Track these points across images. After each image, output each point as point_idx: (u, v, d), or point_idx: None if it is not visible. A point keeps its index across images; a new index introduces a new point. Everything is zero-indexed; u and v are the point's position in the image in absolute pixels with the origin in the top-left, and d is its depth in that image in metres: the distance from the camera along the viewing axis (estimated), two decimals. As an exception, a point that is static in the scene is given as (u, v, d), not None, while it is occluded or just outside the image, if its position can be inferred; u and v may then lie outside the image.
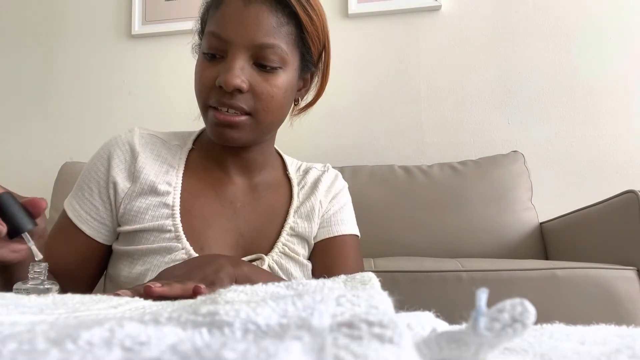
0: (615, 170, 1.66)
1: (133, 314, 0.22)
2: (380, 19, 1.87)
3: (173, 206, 0.74)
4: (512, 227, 1.48)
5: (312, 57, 0.76)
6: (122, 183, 0.74)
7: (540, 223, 1.51)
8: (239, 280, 0.58)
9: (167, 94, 1.95)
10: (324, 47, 0.78)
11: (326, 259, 0.80)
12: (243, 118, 0.69)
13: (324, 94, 0.85)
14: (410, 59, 1.84)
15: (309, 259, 0.81)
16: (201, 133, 0.85)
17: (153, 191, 0.74)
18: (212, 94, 0.69)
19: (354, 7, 1.85)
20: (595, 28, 1.74)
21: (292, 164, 0.89)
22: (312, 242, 0.81)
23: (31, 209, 0.54)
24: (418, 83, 1.83)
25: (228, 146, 0.75)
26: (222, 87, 0.67)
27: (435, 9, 1.84)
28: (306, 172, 0.87)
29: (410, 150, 1.79)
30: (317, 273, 0.79)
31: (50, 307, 0.25)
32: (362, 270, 0.80)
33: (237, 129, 0.70)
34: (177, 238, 0.72)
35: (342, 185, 0.88)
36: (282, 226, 0.79)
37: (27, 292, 0.54)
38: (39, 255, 0.54)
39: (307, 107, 0.85)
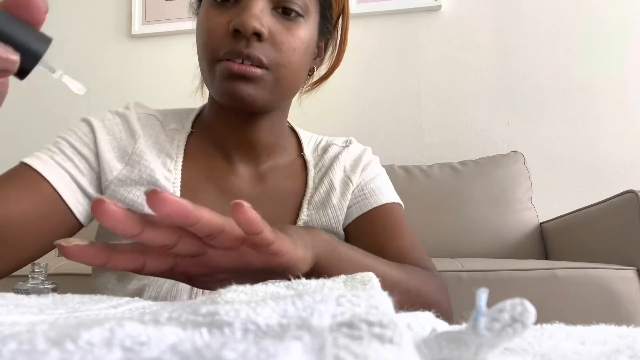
0: (615, 170, 1.66)
1: (133, 314, 0.22)
2: (380, 19, 1.87)
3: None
4: (512, 227, 1.48)
5: (332, 18, 0.66)
6: (112, 161, 0.61)
7: (540, 223, 1.51)
8: (316, 246, 0.45)
9: (167, 94, 1.95)
10: (343, 10, 0.68)
11: (372, 234, 0.66)
12: (261, 71, 0.57)
13: (322, 86, 0.76)
14: (410, 59, 1.84)
15: None
16: (201, 112, 0.72)
17: (152, 184, 0.62)
18: (224, 43, 0.57)
19: (354, 7, 1.85)
20: (595, 28, 1.74)
21: (309, 142, 0.76)
22: (340, 230, 0.69)
23: (24, 12, 0.34)
24: (418, 83, 1.83)
25: (234, 118, 0.64)
26: (237, 32, 0.56)
27: (435, 9, 1.84)
28: (325, 150, 0.74)
29: (410, 150, 1.79)
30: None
31: (50, 307, 0.25)
32: (417, 242, 0.68)
33: (253, 84, 0.58)
34: None
35: (371, 156, 0.76)
36: (295, 223, 0.67)
37: (27, 292, 0.53)
38: (82, 89, 0.38)
39: (320, 82, 0.74)
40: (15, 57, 0.32)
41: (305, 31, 0.60)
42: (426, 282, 0.57)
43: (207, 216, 0.32)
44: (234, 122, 0.65)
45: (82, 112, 0.75)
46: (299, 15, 0.59)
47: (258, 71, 0.57)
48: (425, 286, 0.56)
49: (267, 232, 0.35)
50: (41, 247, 0.57)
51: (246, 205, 0.32)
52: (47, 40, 0.35)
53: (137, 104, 0.69)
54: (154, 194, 0.29)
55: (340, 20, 0.70)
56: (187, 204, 0.31)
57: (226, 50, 0.57)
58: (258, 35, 0.56)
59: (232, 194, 0.66)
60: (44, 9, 0.34)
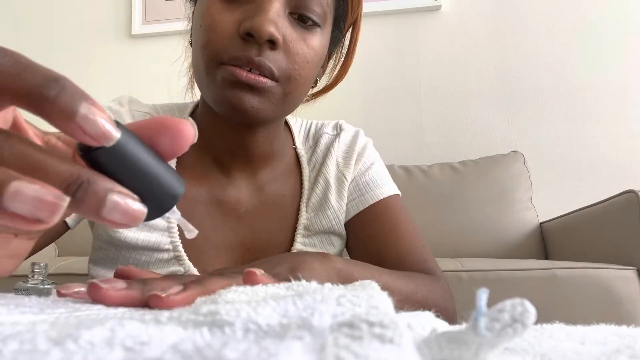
0: (615, 170, 1.67)
1: (133, 314, 0.23)
2: (380, 19, 1.87)
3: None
4: (512, 227, 1.49)
5: (343, 29, 0.61)
6: None
7: (540, 223, 1.51)
8: (331, 278, 0.42)
9: (167, 95, 1.95)
10: (355, 21, 0.63)
11: (370, 236, 0.63)
12: (270, 83, 0.51)
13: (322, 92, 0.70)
14: (411, 59, 1.85)
15: (347, 245, 0.68)
16: (194, 110, 0.66)
17: None
18: (231, 46, 0.50)
19: (354, 7, 1.85)
20: (595, 28, 1.74)
21: (300, 132, 0.70)
22: (342, 230, 0.66)
23: (167, 142, 0.24)
24: (418, 83, 1.83)
25: (229, 127, 0.59)
26: (249, 36, 0.50)
27: (435, 8, 1.84)
28: (316, 140, 0.69)
29: (410, 150, 1.79)
30: (363, 254, 0.64)
31: (50, 307, 0.25)
32: (418, 239, 0.65)
33: (260, 96, 0.52)
34: (178, 259, 0.57)
35: (363, 142, 0.71)
36: (295, 228, 0.63)
37: (27, 292, 0.53)
38: (194, 231, 0.31)
39: (320, 94, 0.69)
40: (142, 212, 0.23)
41: (320, 42, 0.55)
42: (432, 291, 0.57)
43: (214, 287, 0.31)
44: (228, 132, 0.60)
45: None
46: (315, 24, 0.54)
47: (268, 82, 0.51)
48: (432, 295, 0.56)
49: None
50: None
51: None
52: (180, 186, 0.25)
53: (131, 100, 0.64)
54: (156, 300, 0.28)
55: (350, 30, 0.64)
56: (195, 295, 0.29)
57: (233, 54, 0.50)
58: (272, 42, 0.50)
59: (230, 205, 0.62)
60: (191, 139, 0.25)
